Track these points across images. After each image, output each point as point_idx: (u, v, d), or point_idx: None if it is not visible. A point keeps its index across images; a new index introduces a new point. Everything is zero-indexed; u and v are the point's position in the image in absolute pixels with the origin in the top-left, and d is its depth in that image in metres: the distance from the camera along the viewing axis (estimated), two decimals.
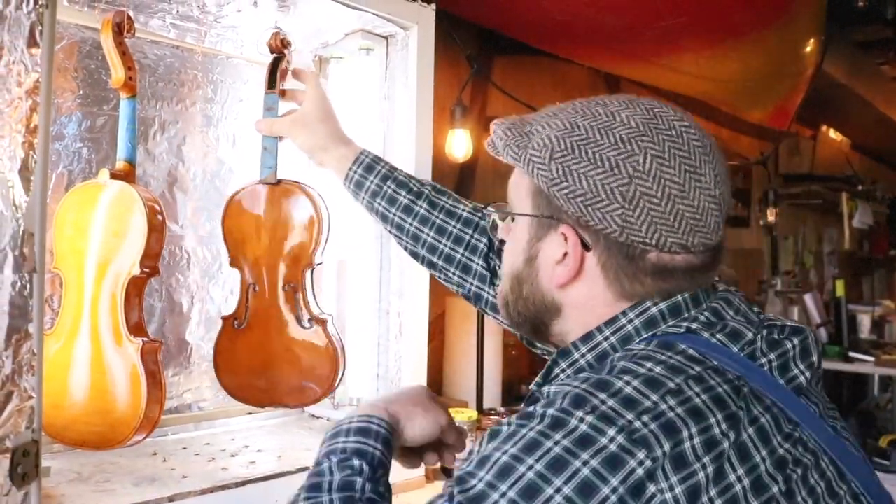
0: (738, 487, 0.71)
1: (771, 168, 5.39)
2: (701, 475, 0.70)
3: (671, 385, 0.74)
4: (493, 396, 2.15)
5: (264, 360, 1.52)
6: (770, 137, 4.70)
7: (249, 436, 1.70)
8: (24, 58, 0.96)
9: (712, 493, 0.70)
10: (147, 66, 1.65)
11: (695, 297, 0.86)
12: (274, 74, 1.45)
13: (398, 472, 1.59)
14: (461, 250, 1.27)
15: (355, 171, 1.33)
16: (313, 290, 1.55)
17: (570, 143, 0.84)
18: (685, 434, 0.71)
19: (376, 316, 1.71)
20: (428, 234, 1.29)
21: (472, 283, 1.26)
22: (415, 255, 1.32)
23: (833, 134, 6.23)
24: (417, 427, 1.00)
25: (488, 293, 1.25)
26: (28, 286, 0.97)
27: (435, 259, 1.29)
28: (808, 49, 2.87)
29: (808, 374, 0.83)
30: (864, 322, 5.09)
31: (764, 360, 0.81)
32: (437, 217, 1.29)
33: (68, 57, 1.53)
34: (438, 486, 1.68)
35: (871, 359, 4.35)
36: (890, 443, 3.40)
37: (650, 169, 0.81)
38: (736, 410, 0.74)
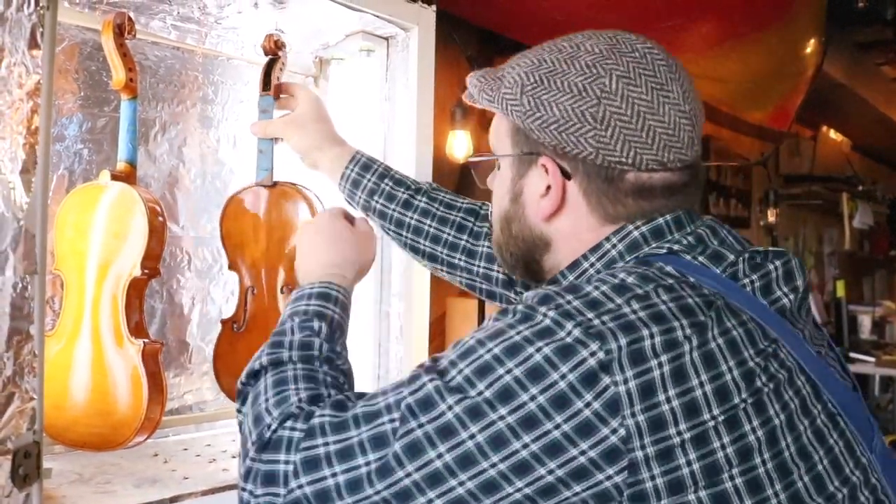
0: (698, 392, 0.72)
1: (771, 168, 5.39)
2: (657, 372, 0.71)
3: (639, 291, 0.77)
4: None
5: None
6: (770, 138, 4.71)
7: None
8: (25, 59, 0.97)
9: (670, 392, 0.71)
10: (148, 68, 1.65)
11: (677, 219, 0.87)
12: (268, 77, 1.45)
13: None
14: (465, 237, 1.29)
15: (352, 170, 1.34)
16: None
17: (538, 76, 0.88)
18: (645, 332, 0.73)
19: (376, 318, 1.71)
20: (430, 226, 1.30)
21: (479, 265, 1.28)
22: (415, 250, 1.33)
23: (833, 134, 6.24)
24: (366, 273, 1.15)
25: (497, 271, 1.26)
26: (29, 288, 0.97)
27: (438, 249, 1.30)
28: (809, 50, 2.87)
29: (791, 296, 0.83)
30: (865, 322, 5.10)
31: (746, 280, 0.82)
32: (437, 209, 1.31)
33: (69, 58, 1.53)
34: None
35: (872, 359, 4.36)
36: (891, 443, 3.40)
37: (617, 89, 0.84)
38: (704, 319, 0.75)
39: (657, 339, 0.73)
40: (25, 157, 0.97)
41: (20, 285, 0.96)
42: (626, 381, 0.71)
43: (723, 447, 0.71)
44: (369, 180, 1.33)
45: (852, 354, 4.38)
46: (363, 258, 1.15)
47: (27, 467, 0.97)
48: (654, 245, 0.86)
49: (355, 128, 1.41)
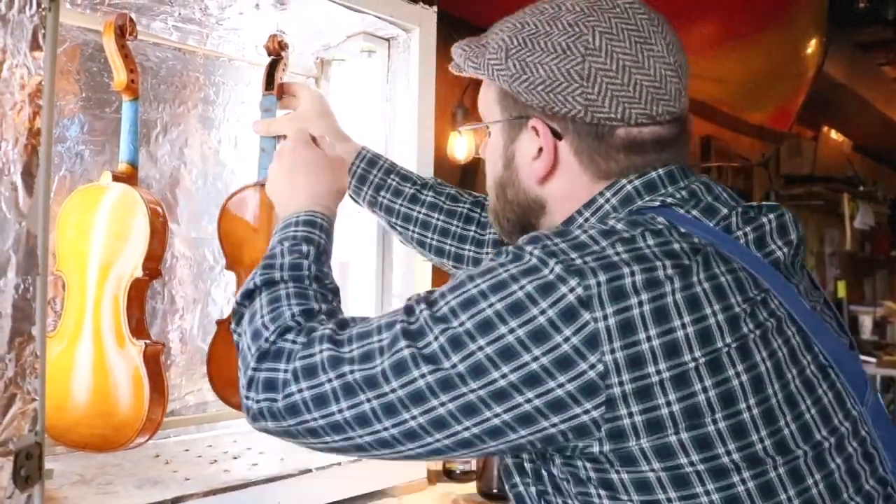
0: (679, 333, 0.73)
1: (772, 169, 5.39)
2: (637, 311, 0.72)
3: (625, 235, 0.78)
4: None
5: None
6: (771, 139, 4.71)
7: (252, 438, 1.70)
8: (27, 61, 0.97)
9: (651, 331, 0.72)
10: (149, 69, 1.65)
11: (670, 173, 0.88)
12: (272, 77, 1.45)
13: (399, 474, 1.60)
14: (473, 227, 1.31)
15: (358, 166, 1.34)
16: None
17: (521, 38, 0.88)
18: (626, 270, 0.74)
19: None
20: (438, 219, 1.31)
21: (488, 254, 1.29)
22: (422, 244, 1.34)
23: (834, 135, 6.24)
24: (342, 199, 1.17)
25: None
26: (31, 289, 0.97)
27: (447, 241, 1.31)
28: (809, 50, 2.87)
29: (785, 250, 0.84)
30: (866, 323, 5.10)
31: (739, 233, 0.83)
32: (444, 202, 1.33)
33: (70, 59, 1.53)
34: (441, 488, 1.68)
35: (873, 360, 4.35)
36: None
37: (600, 45, 0.85)
38: (689, 263, 0.76)
39: (638, 277, 0.74)
40: (27, 158, 0.96)
41: (22, 287, 0.96)
42: (605, 318, 0.72)
43: (704, 390, 0.72)
44: (376, 175, 1.34)
45: None
46: (340, 185, 1.17)
47: (29, 468, 0.97)
48: (647, 198, 0.86)
49: (356, 129, 1.41)
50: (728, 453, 0.72)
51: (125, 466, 1.45)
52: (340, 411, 0.80)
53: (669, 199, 0.85)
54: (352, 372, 0.79)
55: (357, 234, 1.77)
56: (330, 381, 0.80)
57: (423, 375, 0.76)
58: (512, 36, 0.89)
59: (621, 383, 0.72)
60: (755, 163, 4.91)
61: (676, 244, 0.77)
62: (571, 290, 0.73)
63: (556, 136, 0.89)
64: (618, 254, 0.75)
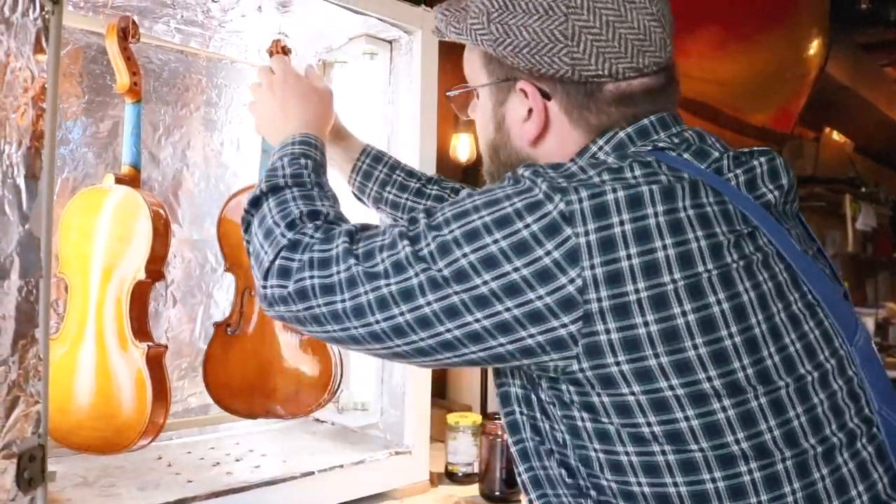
0: (660, 254, 0.74)
1: None
2: (618, 229, 0.74)
3: (613, 166, 0.80)
4: (497, 401, 2.15)
5: (258, 368, 1.51)
6: (773, 140, 4.70)
7: (254, 440, 1.70)
8: (30, 64, 0.97)
9: (631, 250, 0.74)
10: (151, 71, 1.65)
11: (661, 120, 0.89)
12: None
13: (402, 475, 1.60)
14: None
15: (363, 162, 1.35)
16: None
17: (502, 1, 0.88)
18: (608, 188, 0.76)
19: None
20: None
21: None
22: None
23: (836, 136, 6.23)
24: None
25: None
26: (35, 291, 0.97)
27: None
28: (812, 51, 2.87)
29: (776, 193, 0.84)
30: (868, 325, 5.08)
31: (730, 175, 0.83)
32: (450, 195, 1.35)
33: (73, 62, 1.54)
34: (443, 490, 1.68)
35: None
36: None
37: (582, 3, 0.85)
38: (675, 190, 0.77)
39: (620, 194, 0.75)
40: (31, 161, 0.97)
41: (25, 289, 0.96)
42: (587, 234, 0.74)
43: (683, 314, 0.73)
44: (381, 171, 1.35)
45: None
46: (328, 113, 1.25)
47: (32, 471, 0.97)
48: (639, 144, 0.87)
49: (359, 131, 1.41)
50: (709, 379, 0.73)
51: (127, 469, 1.45)
52: (343, 301, 0.84)
53: (661, 144, 0.86)
54: (356, 265, 0.84)
55: None
56: (338, 272, 0.85)
57: (416, 275, 0.80)
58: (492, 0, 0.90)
59: (599, 299, 0.73)
60: None
61: (663, 175, 0.78)
62: (555, 206, 0.76)
63: (545, 96, 0.90)
64: (603, 182, 0.77)
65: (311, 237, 0.91)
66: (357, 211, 1.42)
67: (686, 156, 0.84)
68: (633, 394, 0.75)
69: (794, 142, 5.39)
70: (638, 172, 0.78)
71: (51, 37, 1.00)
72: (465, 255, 0.78)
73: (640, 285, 0.73)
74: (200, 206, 1.74)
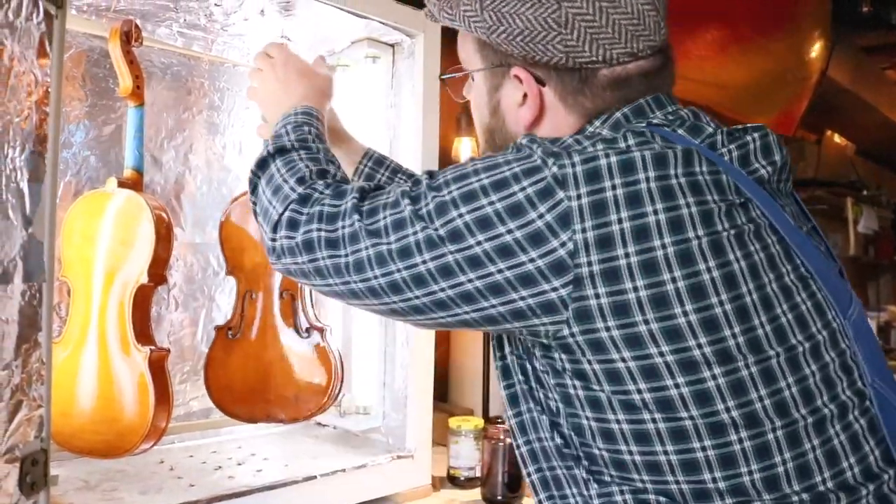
0: (651, 219, 0.75)
1: None
2: (610, 193, 0.75)
3: (608, 136, 0.82)
4: (499, 405, 2.15)
5: (259, 371, 1.52)
6: None
7: (256, 444, 1.70)
8: (33, 68, 0.97)
9: (622, 214, 0.75)
10: (154, 74, 1.65)
11: (657, 99, 0.89)
12: None
13: (404, 480, 1.60)
14: None
15: (366, 165, 1.36)
16: (312, 298, 1.55)
17: None
18: (601, 153, 0.77)
19: (382, 324, 1.71)
20: None
21: None
22: None
23: (838, 139, 6.22)
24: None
25: None
26: (38, 295, 0.97)
27: None
28: (814, 55, 2.87)
29: (769, 168, 0.85)
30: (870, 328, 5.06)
31: (724, 150, 0.84)
32: None
33: (76, 65, 1.54)
34: (445, 495, 1.68)
35: None
36: None
37: None
38: (667, 157, 0.77)
39: (613, 160, 0.76)
40: (34, 165, 0.96)
41: (28, 293, 0.96)
42: (579, 197, 0.75)
43: (673, 280, 0.74)
44: (383, 174, 1.35)
45: None
46: (328, 89, 1.26)
47: (34, 475, 0.97)
48: (635, 122, 0.88)
49: (361, 134, 1.41)
50: (699, 346, 0.74)
51: (130, 472, 1.45)
52: (345, 256, 0.86)
53: (656, 120, 0.87)
54: (359, 221, 0.85)
55: None
56: (343, 227, 0.86)
57: (414, 233, 0.81)
58: None
59: (589, 263, 0.74)
60: None
61: (656, 144, 0.79)
62: (549, 170, 0.77)
63: (540, 82, 0.90)
64: (597, 151, 0.78)
65: (322, 192, 0.92)
66: None
67: (680, 131, 0.85)
68: (623, 360, 0.75)
69: (795, 145, 5.39)
70: (631, 141, 0.79)
71: (54, 41, 1.00)
72: (460, 216, 0.79)
73: (631, 249, 0.74)
74: (203, 210, 1.74)
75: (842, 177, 6.04)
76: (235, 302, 1.54)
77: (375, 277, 0.85)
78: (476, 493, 1.70)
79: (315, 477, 1.45)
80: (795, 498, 0.75)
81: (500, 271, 0.77)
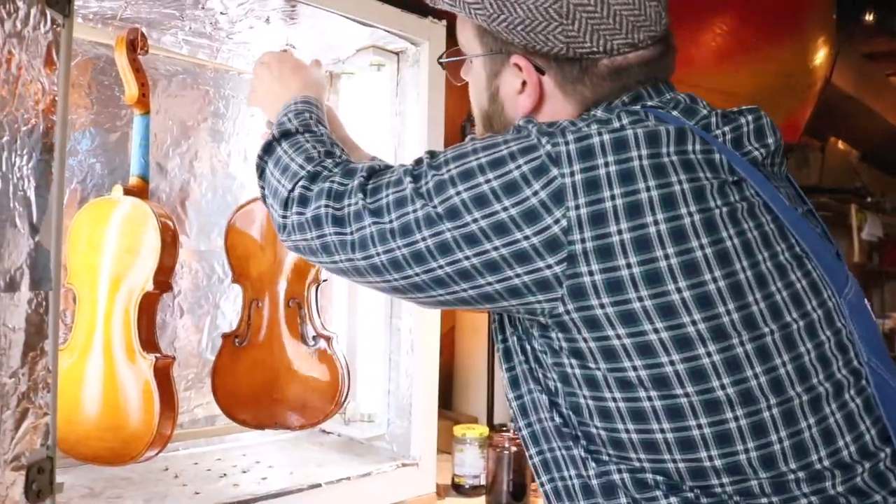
0: (643, 195, 0.75)
1: None
2: (603, 170, 0.76)
3: (602, 118, 0.82)
4: (503, 412, 2.14)
5: (266, 379, 1.52)
6: None
7: (261, 451, 1.70)
8: (41, 77, 0.97)
9: (615, 190, 0.75)
10: (159, 82, 1.66)
11: (655, 87, 0.90)
12: None
13: (409, 488, 1.59)
14: None
15: None
16: (318, 306, 1.55)
17: None
18: (594, 131, 0.78)
19: (387, 332, 1.71)
20: None
21: None
22: None
23: (842, 145, 6.22)
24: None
25: None
26: (44, 303, 0.97)
27: None
28: (818, 62, 2.87)
29: (762, 151, 0.85)
30: None
31: (718, 131, 0.84)
32: None
33: (82, 73, 1.54)
34: (449, 502, 1.68)
35: None
36: None
37: None
38: (658, 130, 0.78)
39: (606, 137, 0.77)
40: (41, 174, 0.97)
41: (35, 301, 0.96)
42: (572, 174, 0.76)
43: (666, 257, 0.74)
44: None
45: None
46: (322, 81, 1.28)
47: (40, 483, 0.97)
48: (630, 108, 0.88)
49: (365, 142, 1.41)
50: (693, 323, 0.74)
51: (134, 480, 1.45)
52: (351, 233, 0.87)
53: (650, 103, 0.87)
54: (363, 199, 0.87)
55: None
56: (349, 205, 0.88)
57: (414, 211, 0.82)
58: None
59: (583, 240, 0.75)
60: None
61: (650, 122, 0.80)
62: (544, 148, 0.78)
63: (539, 71, 0.91)
64: (591, 130, 0.78)
65: (331, 171, 0.94)
66: None
67: (675, 113, 0.85)
68: (617, 337, 0.76)
69: (799, 151, 5.39)
70: (625, 120, 0.80)
71: (61, 50, 1.00)
72: (458, 194, 0.80)
73: (623, 226, 0.74)
74: (208, 217, 1.74)
75: (846, 184, 6.03)
76: (242, 310, 1.54)
77: (378, 255, 0.86)
78: (481, 501, 1.70)
79: (320, 485, 1.45)
80: (792, 476, 0.76)
81: (495, 248, 0.78)
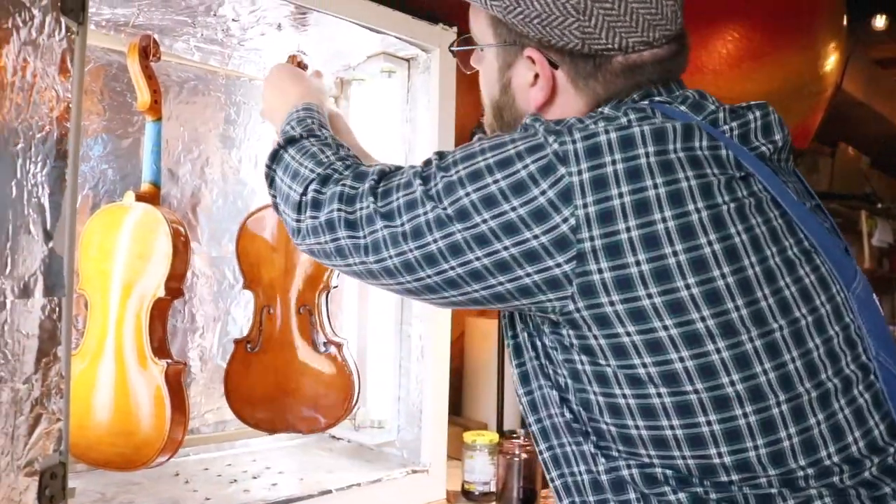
0: (651, 192, 0.75)
1: None
2: (610, 168, 0.76)
3: (609, 115, 0.82)
4: (513, 418, 2.14)
5: (277, 385, 1.52)
6: None
7: (270, 457, 1.70)
8: (55, 84, 0.98)
9: (623, 188, 0.75)
10: (171, 88, 1.66)
11: (666, 85, 0.90)
12: None
13: (419, 494, 1.59)
14: None
15: None
16: (328, 313, 1.55)
17: None
18: (601, 129, 0.78)
19: (397, 339, 1.71)
20: None
21: None
22: None
23: (852, 151, 6.20)
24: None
25: None
26: (58, 310, 0.97)
27: None
28: (829, 68, 2.86)
29: (769, 146, 0.85)
30: None
31: (725, 127, 0.83)
32: None
33: (94, 80, 1.55)
34: None
35: None
36: None
37: None
38: (665, 127, 0.77)
39: (612, 135, 0.77)
40: (55, 181, 0.97)
41: (48, 307, 0.96)
42: (580, 173, 0.76)
43: (675, 253, 0.74)
44: None
45: None
46: (323, 88, 1.32)
47: (53, 488, 0.97)
48: (638, 105, 0.88)
49: (376, 149, 1.41)
50: (702, 319, 0.74)
51: (145, 485, 1.45)
52: (364, 237, 0.88)
53: (658, 98, 0.87)
54: (374, 202, 0.87)
55: None
56: (360, 209, 0.88)
57: (425, 213, 0.83)
58: None
59: (592, 238, 0.75)
60: None
61: (657, 118, 0.80)
62: (551, 147, 0.78)
63: (553, 65, 0.91)
64: (598, 128, 0.78)
65: (342, 173, 0.94)
66: None
67: (682, 108, 0.85)
68: (627, 334, 0.76)
69: (809, 157, 5.37)
70: (632, 117, 0.80)
71: (76, 57, 1.01)
72: (467, 195, 0.80)
73: (631, 223, 0.75)
74: (219, 223, 1.74)
75: (856, 190, 6.01)
76: (254, 316, 1.55)
77: (390, 258, 0.86)
78: None
79: (330, 491, 1.45)
80: (801, 472, 0.76)
81: (505, 248, 0.79)
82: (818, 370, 0.77)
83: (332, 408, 1.51)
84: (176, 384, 1.33)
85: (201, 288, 1.72)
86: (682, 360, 0.75)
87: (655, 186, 0.75)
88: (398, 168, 0.93)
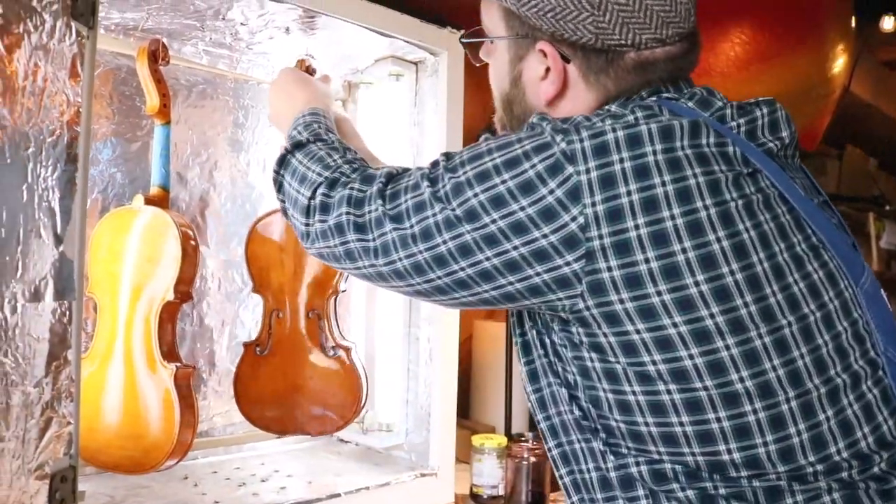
0: (659, 190, 0.75)
1: None
2: (618, 166, 0.76)
3: (616, 112, 0.82)
4: (521, 421, 2.14)
5: (286, 388, 1.53)
6: None
7: (279, 460, 1.70)
8: (65, 88, 0.98)
9: (631, 186, 0.75)
10: (179, 92, 1.67)
11: (675, 83, 0.90)
12: None
13: (428, 497, 1.59)
14: None
15: None
16: (337, 317, 1.55)
17: None
18: (608, 128, 0.78)
19: (405, 341, 1.71)
20: None
21: None
22: None
23: (859, 154, 6.17)
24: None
25: None
26: (68, 313, 0.98)
27: None
28: (837, 70, 2.85)
29: (777, 143, 0.85)
30: None
31: (733, 123, 0.84)
32: None
33: (104, 84, 1.55)
34: None
35: None
36: None
37: None
38: (672, 125, 0.77)
39: (620, 134, 0.77)
40: (65, 185, 0.98)
41: (59, 311, 0.97)
42: (588, 171, 0.76)
43: (683, 250, 0.74)
44: None
45: None
46: (329, 97, 1.31)
47: (63, 492, 0.98)
48: (646, 102, 0.88)
49: (384, 152, 1.42)
50: (711, 316, 0.74)
51: (154, 488, 1.45)
52: (373, 239, 0.88)
53: (666, 95, 0.87)
54: (382, 205, 0.88)
55: None
56: (369, 212, 0.89)
57: (433, 214, 0.83)
58: None
59: (600, 236, 0.75)
60: None
61: (664, 116, 0.80)
62: (558, 146, 0.78)
63: (564, 59, 0.90)
64: (605, 126, 0.79)
65: (349, 176, 0.94)
66: None
67: (690, 104, 0.85)
68: (637, 332, 0.76)
69: (816, 159, 5.36)
70: (639, 114, 0.80)
71: (86, 62, 1.01)
72: (475, 195, 0.80)
73: (640, 221, 0.75)
74: (227, 227, 1.75)
75: (864, 192, 5.99)
76: (263, 320, 1.55)
77: (400, 260, 0.87)
78: None
79: (339, 494, 1.45)
80: (810, 469, 0.76)
81: (515, 248, 0.79)
82: (827, 366, 0.77)
83: (340, 410, 1.51)
84: (185, 387, 1.33)
85: (210, 291, 1.73)
86: (691, 357, 0.75)
87: (663, 184, 0.75)
88: (405, 170, 0.93)
